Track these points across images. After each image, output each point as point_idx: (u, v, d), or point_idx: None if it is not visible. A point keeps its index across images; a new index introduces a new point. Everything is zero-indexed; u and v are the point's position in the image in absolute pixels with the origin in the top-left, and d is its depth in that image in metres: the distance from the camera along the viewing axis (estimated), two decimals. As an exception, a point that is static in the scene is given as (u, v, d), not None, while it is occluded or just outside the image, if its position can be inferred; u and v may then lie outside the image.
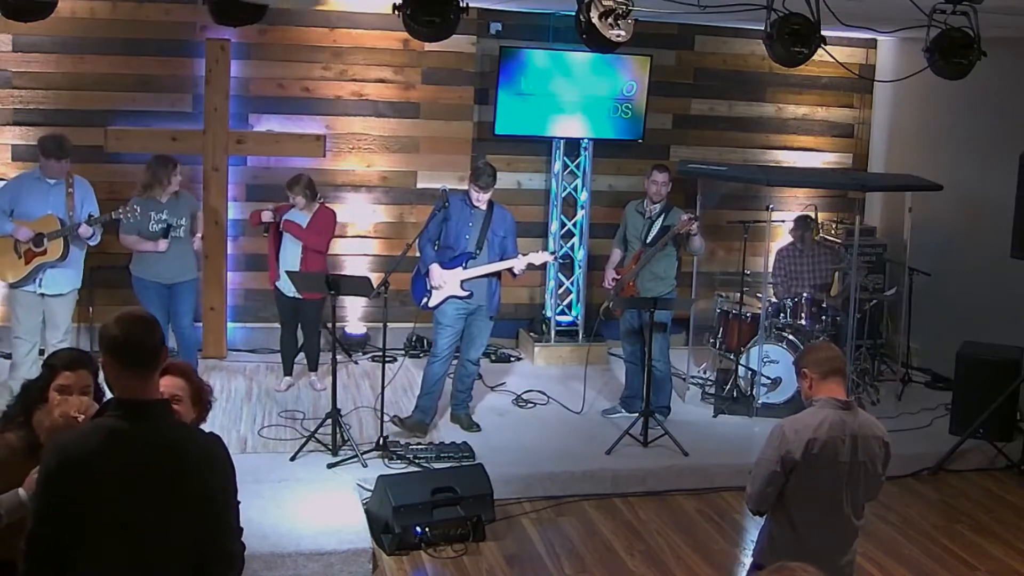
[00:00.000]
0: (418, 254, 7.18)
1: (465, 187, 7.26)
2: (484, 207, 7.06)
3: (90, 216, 6.97)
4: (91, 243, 7.08)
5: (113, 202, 7.29)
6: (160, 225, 7.20)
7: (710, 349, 8.51)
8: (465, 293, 7.04)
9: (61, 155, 6.90)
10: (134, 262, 7.40)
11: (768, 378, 7.80)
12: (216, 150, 8.37)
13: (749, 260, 8.41)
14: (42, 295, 7.01)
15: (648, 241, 7.48)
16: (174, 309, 7.45)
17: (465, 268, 7.04)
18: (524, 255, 7.15)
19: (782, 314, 8.08)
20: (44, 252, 6.90)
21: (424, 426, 7.17)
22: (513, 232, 7.23)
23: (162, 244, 7.19)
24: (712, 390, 8.20)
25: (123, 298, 8.14)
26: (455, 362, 7.39)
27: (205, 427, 3.69)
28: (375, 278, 7.66)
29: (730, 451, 7.13)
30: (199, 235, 7.52)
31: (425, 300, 7.11)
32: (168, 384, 3.52)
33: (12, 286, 7.05)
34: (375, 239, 9.13)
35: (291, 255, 7.57)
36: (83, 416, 3.42)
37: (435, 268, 7.02)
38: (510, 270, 7.13)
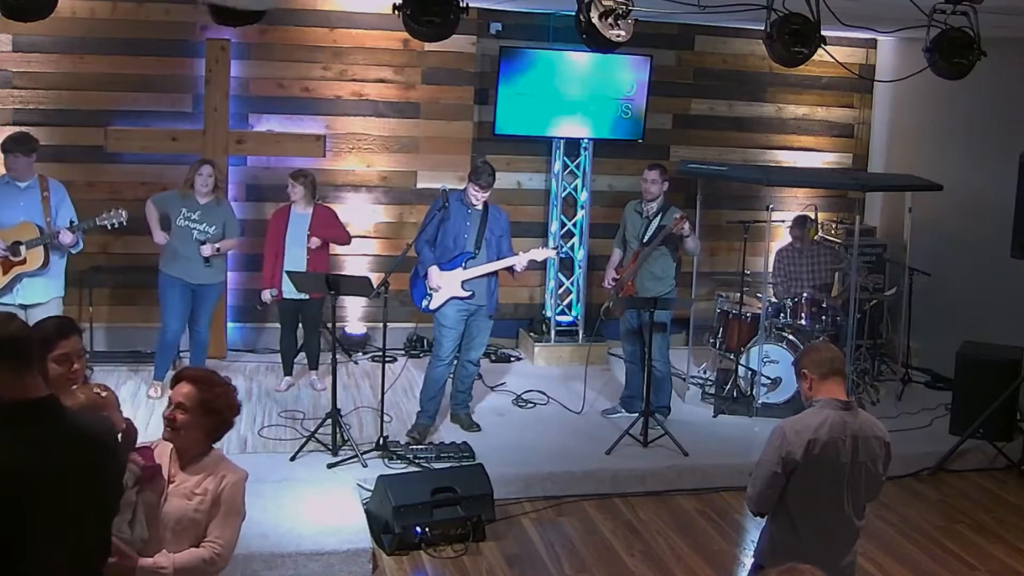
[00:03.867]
0: (416, 256, 7.18)
1: (456, 186, 7.27)
2: (481, 207, 7.06)
3: (72, 223, 6.77)
4: (73, 251, 6.89)
5: (114, 202, 7.30)
6: (190, 225, 7.23)
7: (710, 349, 8.51)
8: (466, 293, 7.03)
9: (17, 149, 6.68)
10: (163, 260, 7.39)
11: (768, 378, 7.80)
12: (216, 150, 8.36)
13: (749, 260, 8.41)
14: (21, 306, 6.70)
15: (645, 241, 7.48)
16: (195, 311, 7.47)
17: (465, 268, 7.03)
18: (525, 252, 7.16)
19: (782, 314, 8.08)
20: (23, 262, 6.67)
21: (429, 429, 7.18)
22: (508, 232, 7.23)
23: (160, 236, 7.24)
24: (712, 390, 8.20)
25: (123, 298, 8.17)
26: (455, 363, 7.40)
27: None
28: (375, 278, 7.66)
29: (730, 451, 7.13)
30: (216, 246, 7.34)
31: (426, 302, 7.09)
32: (175, 392, 3.54)
33: None
34: (375, 239, 9.13)
35: (296, 256, 7.59)
36: (105, 392, 3.44)
37: (434, 270, 6.99)
38: (511, 268, 7.12)
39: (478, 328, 7.19)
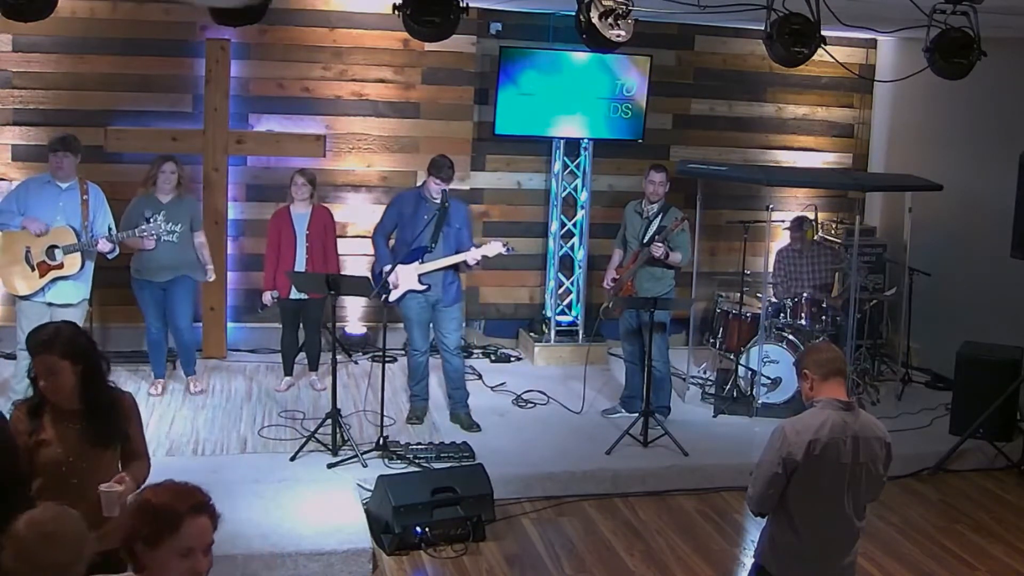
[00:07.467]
0: (373, 250, 7.28)
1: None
2: (439, 200, 7.08)
3: (110, 231, 6.86)
4: (109, 257, 6.97)
5: (113, 202, 7.28)
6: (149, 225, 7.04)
7: (710, 349, 8.51)
8: (423, 287, 7.11)
9: (67, 149, 6.80)
10: (132, 261, 7.39)
11: (768, 378, 7.80)
12: (216, 150, 8.37)
13: (749, 260, 8.42)
14: (49, 304, 6.80)
15: (645, 241, 7.48)
16: (169, 309, 7.46)
17: (422, 263, 7.09)
18: (477, 247, 7.19)
19: (782, 314, 8.08)
20: (60, 266, 6.75)
21: (424, 409, 7.40)
22: (468, 224, 7.29)
23: (148, 242, 7.09)
24: (712, 390, 8.20)
25: (124, 298, 8.15)
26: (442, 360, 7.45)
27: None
28: (375, 278, 7.67)
29: (730, 451, 7.13)
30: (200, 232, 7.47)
31: (385, 296, 7.13)
32: (201, 534, 2.79)
33: (21, 298, 6.85)
34: (375, 239, 9.13)
35: (297, 256, 7.60)
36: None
37: (393, 267, 7.08)
38: (464, 262, 7.17)
39: (445, 318, 7.26)
